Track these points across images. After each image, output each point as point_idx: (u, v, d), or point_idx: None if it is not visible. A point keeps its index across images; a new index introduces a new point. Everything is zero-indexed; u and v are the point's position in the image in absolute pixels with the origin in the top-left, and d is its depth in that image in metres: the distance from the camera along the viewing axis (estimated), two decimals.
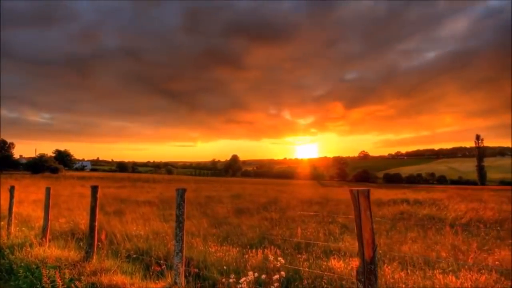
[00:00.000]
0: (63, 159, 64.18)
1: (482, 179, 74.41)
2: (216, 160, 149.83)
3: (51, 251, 4.08)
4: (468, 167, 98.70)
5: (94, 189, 4.21)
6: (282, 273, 2.67)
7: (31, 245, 4.32)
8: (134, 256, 4.18)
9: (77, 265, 3.62)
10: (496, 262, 3.78)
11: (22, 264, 3.66)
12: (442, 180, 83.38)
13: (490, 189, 30.79)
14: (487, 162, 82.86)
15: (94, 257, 4.00)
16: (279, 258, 2.81)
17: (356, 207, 1.86)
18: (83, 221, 6.72)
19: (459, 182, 77.41)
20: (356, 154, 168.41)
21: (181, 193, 3.02)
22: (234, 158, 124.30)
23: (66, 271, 3.39)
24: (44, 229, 4.92)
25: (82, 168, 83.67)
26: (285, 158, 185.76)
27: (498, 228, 6.54)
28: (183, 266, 2.95)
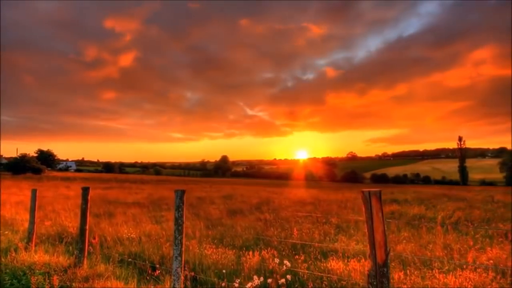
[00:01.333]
0: (46, 159, 61.95)
1: (464, 179, 76.91)
2: (206, 160, 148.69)
3: (38, 256, 3.86)
4: (451, 167, 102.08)
5: (85, 190, 4.03)
6: (289, 277, 2.61)
7: (16, 250, 4.09)
8: (129, 260, 4.03)
9: (67, 270, 3.44)
10: (490, 261, 3.86)
11: (8, 270, 3.44)
12: (426, 180, 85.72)
13: (472, 189, 31.87)
14: (469, 163, 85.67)
15: (85, 262, 3.82)
16: (285, 261, 2.74)
17: (368, 209, 1.82)
18: (70, 224, 6.46)
19: (443, 182, 79.83)
20: (344, 155, 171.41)
21: (180, 194, 2.91)
22: (224, 159, 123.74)
23: (56, 277, 3.22)
24: (30, 233, 4.68)
25: (66, 169, 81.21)
26: (275, 159, 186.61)
27: (486, 227, 6.73)
28: (183, 271, 2.84)
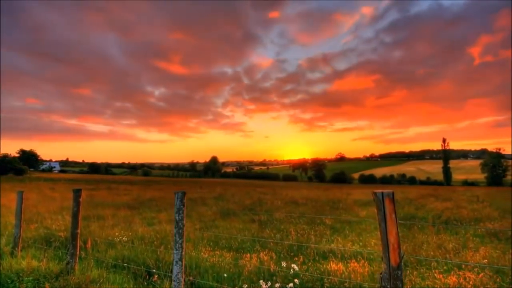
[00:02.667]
0: (28, 159, 59.72)
1: (447, 179, 79.28)
2: (195, 161, 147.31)
3: (26, 262, 3.65)
4: (435, 168, 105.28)
5: (77, 192, 3.85)
6: (296, 280, 2.56)
7: (2, 256, 3.86)
8: (123, 264, 3.87)
9: (58, 277, 3.27)
10: (485, 260, 3.94)
11: None
12: (412, 180, 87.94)
13: (456, 190, 32.88)
14: (452, 164, 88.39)
15: (77, 267, 3.64)
16: (292, 265, 2.69)
17: (381, 211, 1.79)
18: (58, 227, 6.20)
19: (427, 182, 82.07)
20: (333, 156, 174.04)
21: (181, 196, 2.81)
22: (214, 160, 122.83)
23: (46, 285, 3.05)
24: (16, 237, 4.43)
25: (50, 170, 78.50)
26: (265, 160, 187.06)
27: (476, 226, 6.91)
28: (183, 276, 2.75)
